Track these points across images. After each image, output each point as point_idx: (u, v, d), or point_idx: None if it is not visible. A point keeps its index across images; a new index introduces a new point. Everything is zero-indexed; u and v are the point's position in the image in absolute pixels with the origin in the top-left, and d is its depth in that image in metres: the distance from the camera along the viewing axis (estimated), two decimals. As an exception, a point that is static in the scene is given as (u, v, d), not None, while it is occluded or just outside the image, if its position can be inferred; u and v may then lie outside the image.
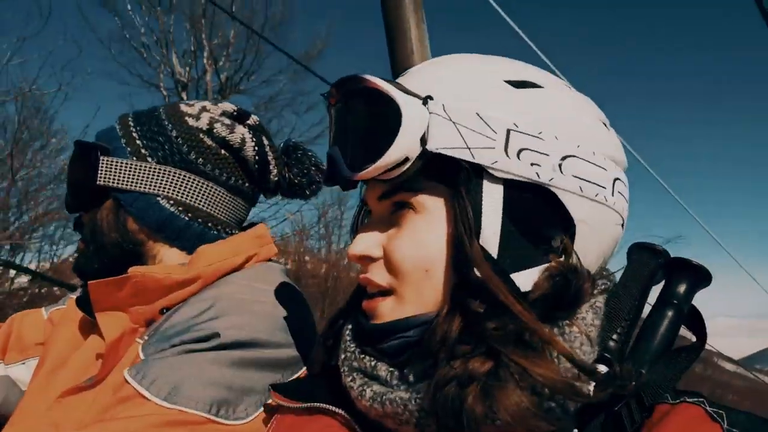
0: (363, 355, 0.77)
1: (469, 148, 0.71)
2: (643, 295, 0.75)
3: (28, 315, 1.36)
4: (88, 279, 1.23)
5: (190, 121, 1.22)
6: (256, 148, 1.24)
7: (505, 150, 0.72)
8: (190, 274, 1.12)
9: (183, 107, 1.24)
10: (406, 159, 0.72)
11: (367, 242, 0.78)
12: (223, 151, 1.22)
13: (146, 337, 1.10)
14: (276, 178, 1.29)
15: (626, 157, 0.83)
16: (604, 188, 0.75)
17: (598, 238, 0.76)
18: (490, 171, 0.72)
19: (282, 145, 1.32)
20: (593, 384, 0.67)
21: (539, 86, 0.77)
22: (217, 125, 1.22)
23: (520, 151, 0.72)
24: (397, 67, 2.11)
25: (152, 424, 0.93)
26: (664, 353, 0.73)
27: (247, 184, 1.27)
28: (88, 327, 1.21)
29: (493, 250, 0.71)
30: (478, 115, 0.72)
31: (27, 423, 1.12)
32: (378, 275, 0.77)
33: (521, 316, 0.67)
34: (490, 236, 0.71)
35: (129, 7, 14.54)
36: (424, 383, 0.71)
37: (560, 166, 0.73)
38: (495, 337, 0.67)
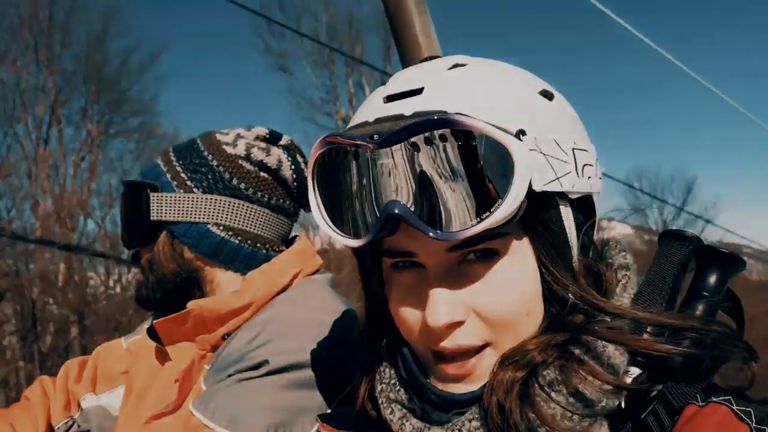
0: (398, 388, 0.76)
1: (558, 179, 0.68)
2: (674, 288, 0.73)
3: (111, 347, 1.47)
4: (151, 308, 1.32)
5: (228, 149, 1.26)
6: (293, 166, 1.28)
7: (576, 170, 0.71)
8: (243, 301, 1.19)
9: (219, 136, 1.29)
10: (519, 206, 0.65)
11: (450, 306, 0.68)
12: (262, 174, 1.27)
13: (208, 366, 1.18)
14: None
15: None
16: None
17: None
18: (568, 195, 0.71)
19: None
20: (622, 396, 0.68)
21: (553, 94, 0.75)
22: (254, 150, 1.26)
23: (583, 167, 0.72)
24: (407, 62, 2.09)
25: None
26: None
27: (287, 202, 1.31)
28: (164, 354, 1.30)
29: (578, 272, 0.72)
30: (554, 141, 0.69)
31: None
32: (468, 337, 0.69)
33: (617, 312, 0.69)
34: (576, 256, 0.72)
35: (308, 70, 17.82)
36: (459, 418, 0.71)
37: (596, 172, 0.74)
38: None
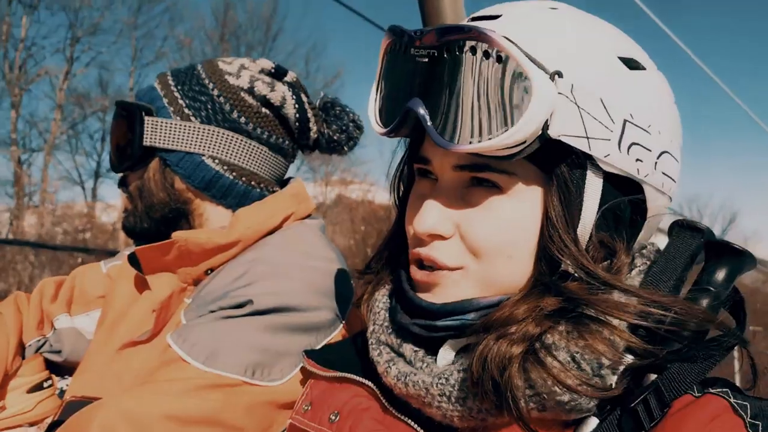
0: (390, 331, 0.76)
1: (588, 138, 0.67)
2: (680, 279, 0.71)
3: (90, 269, 1.43)
4: (137, 238, 1.28)
5: (231, 80, 1.21)
6: (296, 105, 1.23)
7: (619, 143, 0.69)
8: (230, 237, 1.15)
9: (222, 65, 1.24)
10: (523, 143, 0.65)
11: (438, 217, 0.71)
12: (264, 110, 1.22)
13: (190, 300, 1.14)
14: (315, 135, 1.28)
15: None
16: (675, 182, 0.76)
17: (653, 227, 0.76)
18: (599, 163, 0.69)
19: (320, 101, 1.31)
20: (616, 376, 0.66)
21: (644, 67, 0.73)
22: (258, 83, 1.21)
23: (631, 145, 0.70)
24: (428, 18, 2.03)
25: (192, 387, 0.98)
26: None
27: (287, 142, 1.27)
28: (143, 282, 1.27)
29: (584, 241, 0.70)
30: (601, 101, 0.67)
31: (93, 373, 1.20)
32: (447, 256, 0.71)
33: (614, 284, 0.66)
34: (586, 227, 0.70)
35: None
36: (447, 367, 0.70)
37: (656, 163, 0.72)
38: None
